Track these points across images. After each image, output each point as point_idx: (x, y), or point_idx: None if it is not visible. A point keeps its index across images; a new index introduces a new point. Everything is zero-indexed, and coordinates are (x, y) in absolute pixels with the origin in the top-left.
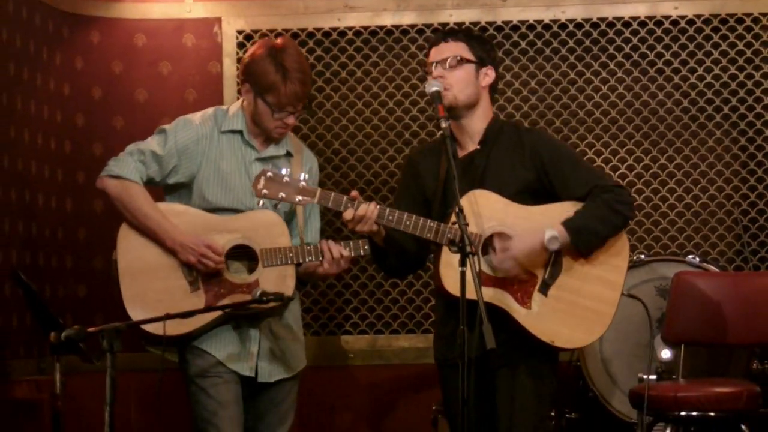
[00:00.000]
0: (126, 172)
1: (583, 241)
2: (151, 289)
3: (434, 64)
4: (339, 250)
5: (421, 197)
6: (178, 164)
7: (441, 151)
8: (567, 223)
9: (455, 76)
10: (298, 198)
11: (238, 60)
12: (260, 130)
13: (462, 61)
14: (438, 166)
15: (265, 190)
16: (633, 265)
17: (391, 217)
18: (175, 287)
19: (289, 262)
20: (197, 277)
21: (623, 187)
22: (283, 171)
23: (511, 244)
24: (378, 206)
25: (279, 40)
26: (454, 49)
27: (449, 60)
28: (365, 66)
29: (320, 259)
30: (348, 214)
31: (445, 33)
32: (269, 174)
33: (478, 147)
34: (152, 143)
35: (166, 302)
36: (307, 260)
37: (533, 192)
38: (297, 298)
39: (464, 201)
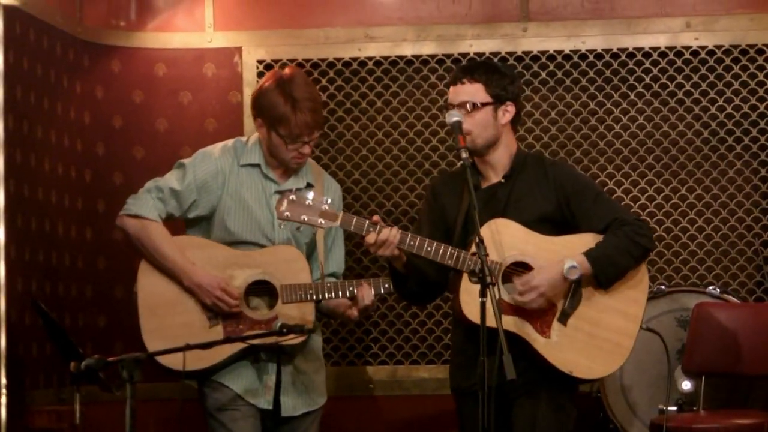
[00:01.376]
0: (144, 210)
1: (604, 272)
2: (170, 323)
3: (452, 106)
4: (371, 296)
5: (442, 225)
6: (198, 199)
7: (463, 181)
8: (588, 254)
9: (473, 121)
10: (320, 221)
11: None
12: (278, 161)
13: (478, 106)
14: (460, 196)
15: (287, 213)
16: (653, 296)
17: (412, 243)
18: (194, 322)
19: (309, 298)
20: (216, 313)
21: (644, 220)
22: (308, 194)
23: (533, 277)
24: (400, 231)
25: (286, 70)
26: (471, 91)
27: (466, 105)
28: (385, 96)
29: (344, 296)
30: (370, 238)
31: (462, 71)
32: (292, 197)
33: (502, 180)
34: (171, 179)
35: (185, 336)
36: (326, 297)
37: (554, 223)
38: (318, 330)
39: (485, 230)
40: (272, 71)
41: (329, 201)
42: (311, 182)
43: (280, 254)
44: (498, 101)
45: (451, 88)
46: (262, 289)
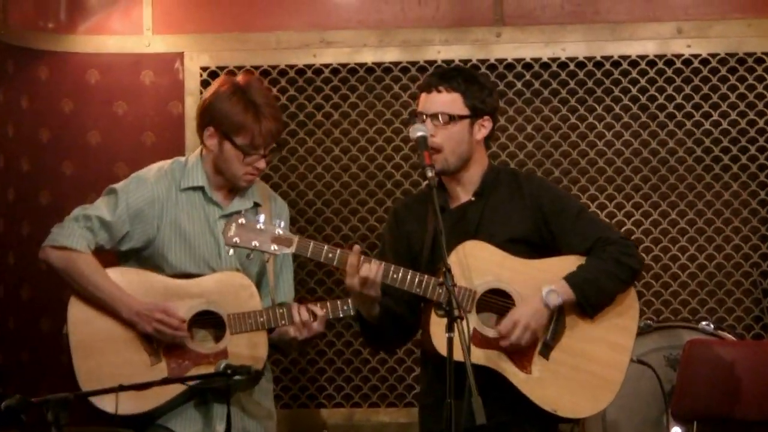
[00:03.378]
0: (71, 241)
1: (587, 298)
2: (107, 363)
3: (424, 115)
4: (307, 311)
5: (407, 255)
6: (131, 230)
7: (429, 203)
8: (569, 278)
9: (447, 135)
10: (273, 247)
11: None
12: (225, 180)
13: (455, 118)
14: (426, 219)
15: (236, 238)
16: (640, 332)
17: (395, 276)
18: (133, 361)
19: (260, 327)
20: (158, 349)
21: (629, 239)
22: (258, 217)
23: (515, 311)
24: (383, 264)
25: (240, 77)
26: (447, 102)
27: (440, 116)
28: (343, 107)
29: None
30: (352, 281)
31: (439, 78)
32: (241, 220)
33: (472, 199)
34: (101, 207)
35: (125, 377)
36: (280, 324)
37: (532, 244)
38: (269, 369)
39: (454, 256)
40: (224, 77)
41: (282, 224)
42: (258, 202)
43: (226, 281)
44: (475, 114)
45: (423, 96)
46: (208, 321)
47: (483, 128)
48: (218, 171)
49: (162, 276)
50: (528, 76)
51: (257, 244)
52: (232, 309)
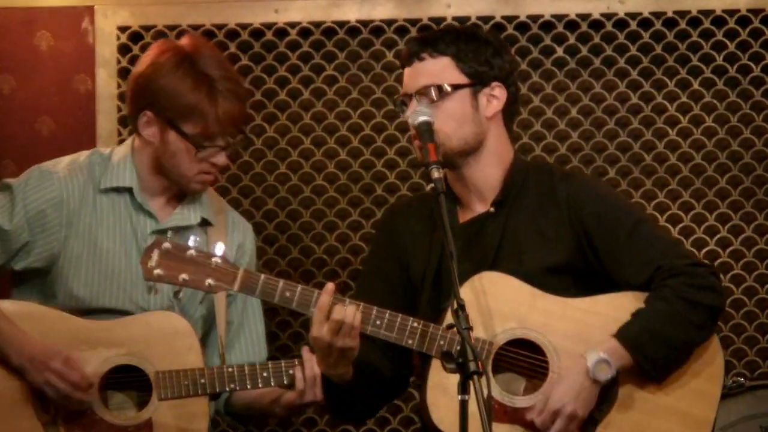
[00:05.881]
0: None
1: (653, 361)
2: None
3: (409, 97)
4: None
5: (401, 284)
6: (32, 241)
7: (434, 213)
8: (624, 335)
9: (441, 114)
10: (209, 282)
11: (121, 72)
12: (168, 183)
13: (446, 90)
14: (431, 235)
15: (159, 270)
16: (728, 393)
17: (379, 322)
18: (21, 430)
19: (200, 391)
20: (56, 416)
21: (701, 264)
22: (191, 241)
23: (557, 399)
24: (361, 306)
25: (185, 41)
26: (435, 71)
27: (429, 90)
28: (317, 83)
29: (256, 385)
30: (319, 331)
31: (420, 43)
32: (166, 245)
33: (491, 210)
34: None
35: None
36: (228, 388)
37: (576, 273)
38: None
39: (467, 290)
40: (163, 43)
41: (221, 249)
42: (208, 218)
43: (156, 325)
44: (478, 81)
45: (406, 71)
46: (129, 380)
47: (493, 99)
48: (159, 170)
49: (68, 316)
50: (572, 39)
51: (186, 278)
52: (163, 365)
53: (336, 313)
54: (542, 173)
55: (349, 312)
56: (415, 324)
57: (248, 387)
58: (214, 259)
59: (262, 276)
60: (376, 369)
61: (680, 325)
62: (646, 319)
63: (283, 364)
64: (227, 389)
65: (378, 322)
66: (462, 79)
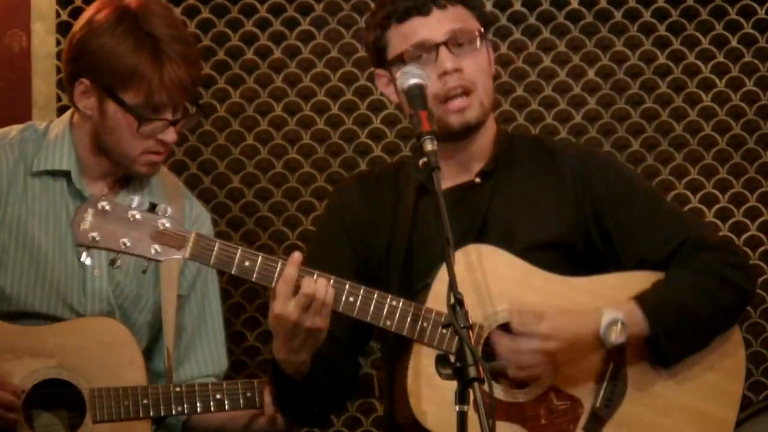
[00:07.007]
0: None
1: (671, 334)
2: None
3: (436, 48)
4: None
5: (355, 266)
6: None
7: (402, 185)
8: (642, 300)
9: (476, 64)
10: (154, 248)
11: (61, 27)
12: (111, 165)
13: (481, 37)
14: (394, 208)
15: (94, 233)
16: (757, 411)
17: (352, 299)
18: None
19: (142, 415)
20: None
21: (733, 243)
22: (134, 202)
23: (545, 318)
24: (333, 280)
25: None
26: (461, 17)
27: (462, 35)
28: (289, 39)
29: (207, 409)
30: (284, 307)
31: None
32: (103, 203)
33: (477, 180)
34: None
35: None
36: (176, 411)
37: (572, 252)
38: None
39: (445, 271)
40: None
41: (169, 211)
42: (160, 203)
43: (92, 333)
44: (486, 31)
45: (417, 21)
46: (59, 396)
47: (491, 52)
48: (100, 149)
49: None
50: None
51: (128, 243)
52: (100, 381)
53: (306, 287)
54: (530, 143)
55: (320, 286)
56: (394, 303)
57: (198, 411)
58: (161, 221)
59: (218, 242)
60: (335, 361)
61: (708, 303)
62: (670, 288)
63: (239, 385)
64: (173, 412)
65: (351, 299)
66: (481, 27)
